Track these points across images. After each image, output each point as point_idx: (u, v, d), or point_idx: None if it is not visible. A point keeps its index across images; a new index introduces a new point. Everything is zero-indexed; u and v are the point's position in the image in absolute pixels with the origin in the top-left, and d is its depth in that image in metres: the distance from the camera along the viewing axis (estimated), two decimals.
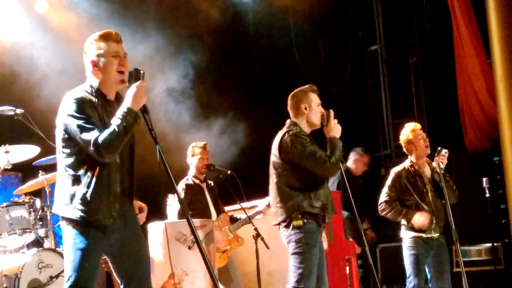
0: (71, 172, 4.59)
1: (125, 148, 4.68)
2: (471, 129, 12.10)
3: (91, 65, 4.70)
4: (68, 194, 4.56)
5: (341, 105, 6.60)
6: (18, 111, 7.53)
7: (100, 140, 4.40)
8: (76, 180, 4.56)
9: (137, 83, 4.54)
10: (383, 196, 7.33)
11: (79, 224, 4.53)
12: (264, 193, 7.98)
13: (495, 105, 11.03)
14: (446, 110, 12.72)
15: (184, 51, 10.57)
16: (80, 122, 4.49)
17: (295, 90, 6.46)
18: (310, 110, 6.31)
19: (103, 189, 4.54)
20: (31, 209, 7.73)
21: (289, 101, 6.45)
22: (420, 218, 7.13)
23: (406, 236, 7.29)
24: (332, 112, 6.24)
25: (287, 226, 6.15)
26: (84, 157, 4.55)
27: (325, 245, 6.56)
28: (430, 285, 7.29)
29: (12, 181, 9.31)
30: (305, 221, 6.07)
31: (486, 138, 11.92)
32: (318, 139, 6.27)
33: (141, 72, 4.60)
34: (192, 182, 7.86)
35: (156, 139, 4.47)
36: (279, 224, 6.25)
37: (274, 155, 6.27)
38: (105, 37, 4.70)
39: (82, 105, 4.55)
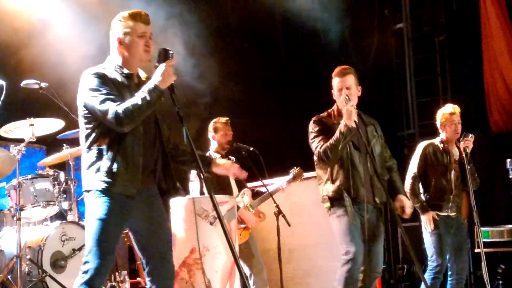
0: (94, 146, 4.65)
1: (149, 124, 4.76)
2: (496, 110, 12.03)
3: (117, 42, 4.78)
4: (93, 168, 4.64)
5: (366, 83, 6.53)
6: (43, 84, 7.58)
7: (120, 108, 4.47)
8: (100, 154, 4.63)
9: (166, 62, 4.59)
10: (410, 173, 7.36)
11: (102, 196, 4.59)
12: (286, 170, 8.02)
13: None
14: (471, 90, 12.62)
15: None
16: (97, 94, 4.57)
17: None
18: (337, 96, 6.32)
19: (126, 161, 4.61)
20: (55, 182, 7.79)
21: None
22: (427, 218, 7.23)
23: (424, 219, 7.34)
24: (344, 96, 6.13)
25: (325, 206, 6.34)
26: (105, 131, 4.61)
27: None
28: (449, 264, 7.31)
29: (37, 153, 9.39)
30: (332, 202, 6.22)
31: (511, 119, 11.84)
32: None
33: (170, 52, 4.65)
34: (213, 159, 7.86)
35: (182, 118, 4.52)
36: None
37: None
38: (134, 17, 4.75)
39: (99, 79, 4.63)
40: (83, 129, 4.73)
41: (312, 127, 6.32)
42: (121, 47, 4.76)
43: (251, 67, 11.79)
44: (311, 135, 6.29)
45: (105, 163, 4.59)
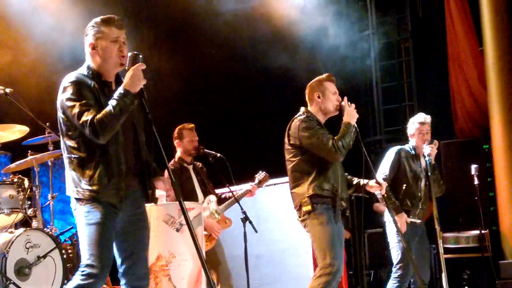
0: (76, 155, 4.63)
1: (127, 129, 4.75)
2: (461, 117, 12.12)
3: (90, 48, 4.75)
4: (76, 176, 4.62)
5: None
6: (8, 90, 7.50)
7: (96, 120, 4.45)
8: (82, 163, 4.61)
9: (135, 66, 4.58)
10: (380, 175, 7.33)
11: (90, 202, 4.58)
12: (252, 176, 8.01)
13: (486, 92, 11.06)
14: (437, 97, 12.74)
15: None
16: (76, 104, 4.54)
17: (313, 80, 6.54)
18: (323, 98, 6.39)
19: (108, 169, 4.59)
20: (20, 189, 7.70)
21: (306, 90, 6.54)
22: (399, 220, 7.17)
23: (392, 220, 7.28)
24: (346, 99, 6.31)
25: (299, 212, 6.24)
26: (86, 139, 4.58)
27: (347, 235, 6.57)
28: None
29: (1, 160, 9.30)
30: (314, 205, 6.12)
31: (476, 125, 11.94)
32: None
33: (140, 56, 4.65)
34: (178, 165, 7.84)
35: (152, 121, 4.55)
36: (295, 209, 6.33)
37: (285, 142, 6.38)
38: (107, 22, 4.72)
39: (78, 88, 4.60)
40: (63, 136, 4.71)
41: (308, 124, 6.22)
42: (94, 52, 4.72)
43: (216, 71, 11.81)
44: (310, 130, 6.18)
45: (87, 172, 4.58)
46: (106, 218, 4.59)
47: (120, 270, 4.80)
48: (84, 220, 4.61)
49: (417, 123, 7.49)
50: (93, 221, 4.57)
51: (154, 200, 4.93)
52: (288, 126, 6.35)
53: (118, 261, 4.81)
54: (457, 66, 12.17)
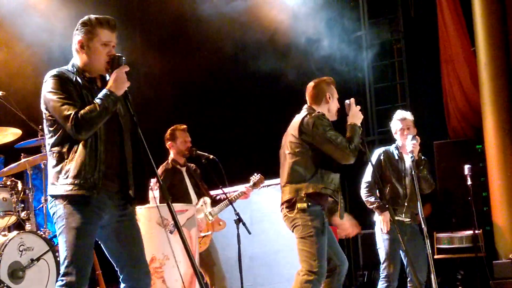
0: (56, 149, 4.58)
1: (111, 130, 4.68)
2: (454, 117, 12.14)
3: (78, 45, 4.68)
4: (55, 172, 4.56)
5: None
6: (0, 93, 7.49)
7: (79, 115, 4.41)
8: (61, 157, 4.55)
9: (119, 68, 4.56)
10: (367, 177, 7.36)
11: (70, 203, 4.50)
12: (245, 178, 8.01)
13: (478, 93, 11.08)
14: (429, 97, 12.76)
15: None
16: (57, 97, 4.49)
17: (317, 80, 6.51)
18: (332, 100, 6.41)
19: (86, 163, 4.52)
20: (13, 192, 7.69)
21: (310, 90, 6.48)
22: (383, 219, 7.23)
23: (378, 220, 7.33)
24: (353, 100, 6.33)
25: (290, 208, 6.13)
26: (67, 134, 4.52)
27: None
28: (407, 271, 7.29)
29: None
30: (309, 204, 6.03)
31: (469, 125, 11.96)
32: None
33: (123, 58, 4.62)
34: (171, 167, 7.83)
35: (137, 124, 4.51)
36: (282, 205, 6.22)
37: (293, 136, 6.25)
38: (101, 22, 4.66)
39: (61, 82, 4.55)
40: (46, 132, 4.67)
41: (324, 122, 6.15)
42: (82, 51, 4.67)
43: (209, 74, 11.81)
44: (327, 129, 6.10)
45: (65, 166, 4.52)
46: (88, 222, 4.51)
47: (121, 276, 4.75)
48: (64, 223, 4.51)
49: (397, 120, 7.51)
50: (73, 225, 4.48)
51: (132, 201, 4.80)
52: (299, 121, 6.22)
53: (117, 267, 4.76)
54: (449, 67, 12.18)
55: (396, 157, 7.45)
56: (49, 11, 9.53)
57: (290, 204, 6.14)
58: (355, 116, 6.25)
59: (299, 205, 6.07)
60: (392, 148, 7.55)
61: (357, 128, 6.19)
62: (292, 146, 6.25)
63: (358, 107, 6.30)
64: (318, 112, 6.28)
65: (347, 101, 6.32)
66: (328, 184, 6.13)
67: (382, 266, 7.24)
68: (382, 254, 7.28)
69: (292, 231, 6.18)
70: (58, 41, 8.72)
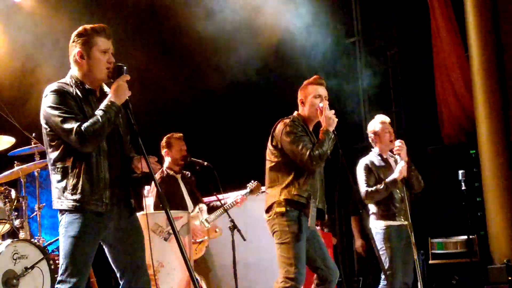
0: (60, 165, 4.58)
1: (112, 140, 4.69)
2: (448, 122, 12.16)
3: (78, 56, 4.67)
4: (60, 187, 4.56)
5: None
6: None
7: (83, 128, 4.41)
8: (65, 172, 4.55)
9: (120, 78, 4.57)
10: (363, 187, 7.28)
11: (73, 214, 4.52)
12: (241, 185, 8.01)
13: (472, 98, 11.10)
14: (423, 103, 12.76)
15: None
16: (59, 112, 4.49)
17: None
18: (305, 103, 6.23)
19: (92, 177, 4.54)
20: (6, 200, 7.67)
21: None
22: (398, 169, 7.12)
23: (378, 226, 7.22)
24: (326, 104, 6.11)
25: (269, 212, 6.06)
26: (70, 149, 4.53)
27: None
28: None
29: None
30: (287, 208, 5.94)
31: (463, 131, 11.98)
32: None
33: (124, 67, 4.63)
34: (166, 174, 7.82)
35: (138, 132, 4.54)
36: (266, 211, 6.16)
37: (269, 142, 6.21)
38: (97, 31, 4.66)
39: (61, 97, 4.54)
40: (47, 147, 4.66)
41: (292, 128, 6.04)
42: (82, 61, 4.65)
43: (206, 82, 11.81)
44: (291, 136, 6.00)
45: (70, 181, 4.52)
46: (87, 231, 4.52)
47: (121, 283, 4.75)
48: (63, 231, 4.55)
49: (379, 123, 7.43)
50: (71, 234, 4.51)
51: (133, 209, 4.82)
52: (274, 127, 6.19)
53: (118, 274, 4.77)
54: (443, 72, 12.21)
55: (383, 163, 7.37)
56: (44, 18, 9.53)
57: (269, 209, 6.09)
58: (328, 121, 6.02)
59: (277, 209, 5.98)
60: (372, 157, 7.42)
61: (329, 134, 6.00)
62: (268, 153, 6.22)
63: (332, 112, 6.06)
64: (292, 117, 6.19)
65: (320, 105, 6.09)
66: (302, 192, 5.99)
67: (383, 278, 7.12)
68: (383, 261, 7.07)
69: (272, 236, 6.12)
70: (52, 49, 8.71)
